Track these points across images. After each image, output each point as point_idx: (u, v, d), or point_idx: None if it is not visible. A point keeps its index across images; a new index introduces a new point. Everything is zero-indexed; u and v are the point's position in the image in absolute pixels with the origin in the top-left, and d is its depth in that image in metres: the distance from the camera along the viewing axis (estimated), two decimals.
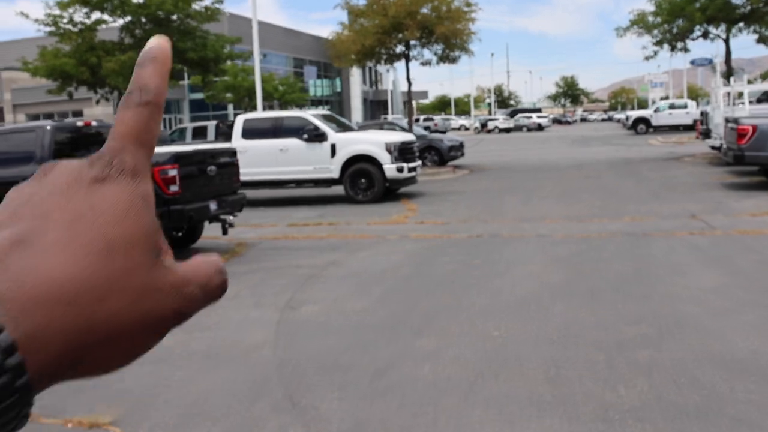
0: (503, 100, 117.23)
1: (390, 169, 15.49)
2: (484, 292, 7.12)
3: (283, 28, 70.55)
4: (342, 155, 15.69)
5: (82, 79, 23.60)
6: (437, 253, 9.35)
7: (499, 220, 12.10)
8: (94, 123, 11.19)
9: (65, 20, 23.66)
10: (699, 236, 9.60)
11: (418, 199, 15.88)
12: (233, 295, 7.69)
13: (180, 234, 11.31)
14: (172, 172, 9.21)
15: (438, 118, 74.94)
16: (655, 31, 22.57)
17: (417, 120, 72.83)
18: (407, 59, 22.21)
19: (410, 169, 15.95)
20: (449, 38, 20.48)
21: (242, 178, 16.64)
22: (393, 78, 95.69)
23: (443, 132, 65.21)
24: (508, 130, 67.17)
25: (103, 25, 24.55)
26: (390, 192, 16.51)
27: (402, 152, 15.84)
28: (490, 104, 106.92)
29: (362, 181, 15.66)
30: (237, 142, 16.36)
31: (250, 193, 18.38)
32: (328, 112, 19.25)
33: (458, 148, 24.56)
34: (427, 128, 63.36)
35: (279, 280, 8.28)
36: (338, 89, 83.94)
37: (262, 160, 16.15)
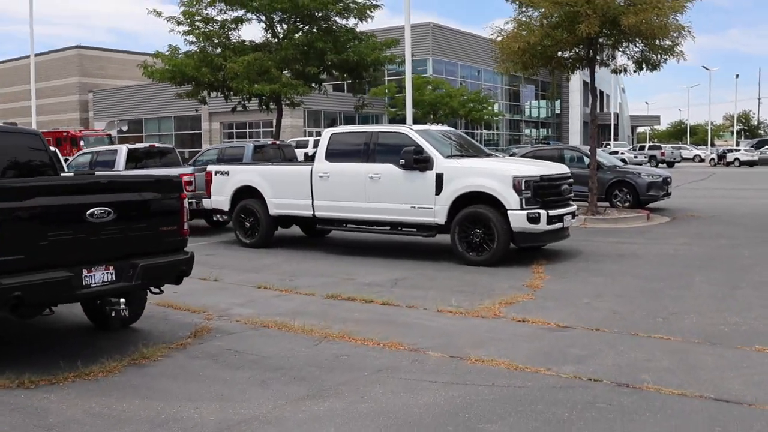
0: (750, 129, 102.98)
1: (517, 216, 10.19)
2: None
3: None
4: (450, 191, 10.66)
5: (205, 81, 20.59)
6: None
7: (658, 335, 6.53)
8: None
9: (198, 18, 20.87)
10: None
11: (559, 264, 10.48)
12: None
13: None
14: None
15: (667, 147, 65.49)
16: None
17: (642, 147, 64.45)
18: (592, 63, 16.50)
19: (553, 219, 10.49)
20: (644, 34, 14.55)
21: (320, 212, 12.35)
22: (620, 100, 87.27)
23: (671, 164, 56.88)
24: (751, 164, 56.85)
25: (243, 24, 21.51)
26: (530, 249, 11.22)
27: (541, 192, 10.49)
28: (733, 133, 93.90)
29: (477, 232, 10.52)
30: (320, 164, 12.01)
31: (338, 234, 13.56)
32: (452, 129, 14.12)
33: (661, 186, 18.40)
34: (652, 157, 55.80)
35: None
36: (557, 111, 77.46)
37: (345, 190, 11.64)
